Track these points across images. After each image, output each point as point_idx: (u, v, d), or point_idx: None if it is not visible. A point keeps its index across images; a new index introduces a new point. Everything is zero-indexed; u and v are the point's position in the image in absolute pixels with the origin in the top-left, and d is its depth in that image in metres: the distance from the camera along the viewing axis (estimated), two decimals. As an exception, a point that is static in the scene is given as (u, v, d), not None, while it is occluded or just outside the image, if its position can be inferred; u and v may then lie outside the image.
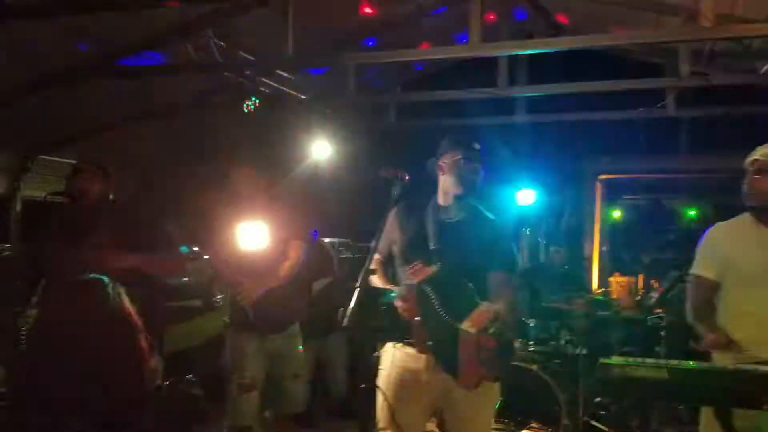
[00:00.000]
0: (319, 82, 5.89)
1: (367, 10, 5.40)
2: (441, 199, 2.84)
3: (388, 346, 2.73)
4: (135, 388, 3.24)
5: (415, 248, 2.70)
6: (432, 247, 2.69)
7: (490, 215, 2.85)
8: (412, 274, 2.56)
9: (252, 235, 3.52)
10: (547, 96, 5.94)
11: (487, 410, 2.85)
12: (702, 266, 2.80)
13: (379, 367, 2.70)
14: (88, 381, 3.06)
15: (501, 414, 4.47)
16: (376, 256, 2.71)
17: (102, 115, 5.66)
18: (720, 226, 2.87)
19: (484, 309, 2.55)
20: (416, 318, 2.55)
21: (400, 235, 2.79)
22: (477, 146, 2.79)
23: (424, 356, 2.63)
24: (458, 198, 2.80)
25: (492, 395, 2.77)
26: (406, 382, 2.65)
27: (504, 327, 2.56)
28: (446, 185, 2.81)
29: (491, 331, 2.49)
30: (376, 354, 2.61)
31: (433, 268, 2.57)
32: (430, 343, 2.58)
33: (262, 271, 3.55)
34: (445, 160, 2.80)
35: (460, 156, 2.76)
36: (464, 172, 2.73)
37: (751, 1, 4.49)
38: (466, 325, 2.49)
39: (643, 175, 6.35)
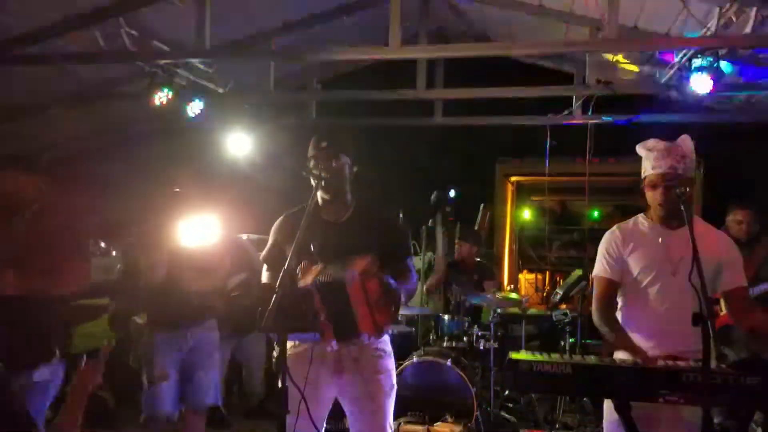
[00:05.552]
0: (237, 75, 5.77)
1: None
2: (321, 202, 2.81)
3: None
4: None
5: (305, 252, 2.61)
6: (317, 250, 2.65)
7: (376, 209, 2.88)
8: (303, 277, 2.54)
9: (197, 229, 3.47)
10: (463, 99, 6.09)
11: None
12: (602, 267, 2.87)
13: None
14: None
15: (415, 407, 4.58)
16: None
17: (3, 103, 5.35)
18: (618, 227, 2.93)
19: (365, 257, 2.59)
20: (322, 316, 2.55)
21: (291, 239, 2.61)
22: (324, 144, 2.73)
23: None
24: (332, 200, 2.78)
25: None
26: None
27: (384, 275, 2.58)
28: (317, 189, 2.71)
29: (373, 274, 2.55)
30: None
31: (318, 267, 2.58)
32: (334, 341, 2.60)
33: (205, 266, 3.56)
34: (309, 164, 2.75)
35: (311, 158, 2.74)
36: (317, 174, 2.66)
37: (653, 15, 4.79)
38: (350, 269, 2.54)
39: (551, 178, 6.63)
